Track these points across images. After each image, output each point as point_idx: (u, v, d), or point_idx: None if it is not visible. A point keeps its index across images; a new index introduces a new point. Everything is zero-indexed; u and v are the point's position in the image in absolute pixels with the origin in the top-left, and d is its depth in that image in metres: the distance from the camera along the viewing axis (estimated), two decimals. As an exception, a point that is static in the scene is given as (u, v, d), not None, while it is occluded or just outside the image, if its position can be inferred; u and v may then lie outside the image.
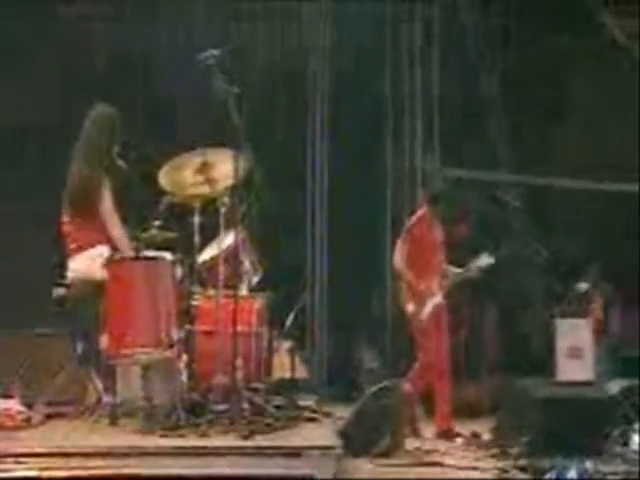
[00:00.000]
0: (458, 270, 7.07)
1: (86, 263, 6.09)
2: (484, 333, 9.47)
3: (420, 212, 7.16)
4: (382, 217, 10.35)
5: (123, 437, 5.45)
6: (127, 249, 6.01)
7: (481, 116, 10.23)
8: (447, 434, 6.73)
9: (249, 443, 5.23)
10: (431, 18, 10.58)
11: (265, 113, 9.42)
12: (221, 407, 5.67)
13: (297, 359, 9.30)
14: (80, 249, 6.14)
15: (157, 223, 6.19)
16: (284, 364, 7.88)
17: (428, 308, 6.87)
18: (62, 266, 6.22)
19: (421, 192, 8.42)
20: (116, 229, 6.07)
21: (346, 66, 10.34)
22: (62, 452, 4.85)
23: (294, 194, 10.02)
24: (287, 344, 9.14)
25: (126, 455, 4.80)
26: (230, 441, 5.27)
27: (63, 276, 6.21)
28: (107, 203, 6.08)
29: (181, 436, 5.44)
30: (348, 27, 10.42)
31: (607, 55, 9.91)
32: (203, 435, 5.41)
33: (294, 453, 5.02)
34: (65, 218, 6.24)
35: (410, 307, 6.91)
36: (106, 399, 5.93)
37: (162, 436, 5.45)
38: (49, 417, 6.07)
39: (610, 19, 9.32)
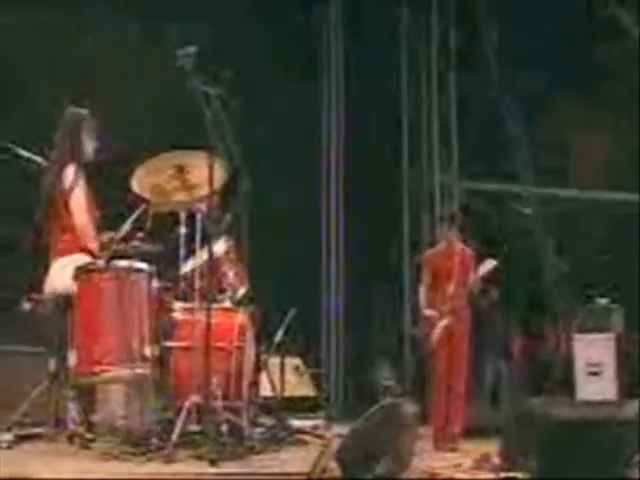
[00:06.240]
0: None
1: (57, 274, 5.39)
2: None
3: (441, 246, 7.06)
4: (399, 231, 9.78)
5: (83, 462, 4.70)
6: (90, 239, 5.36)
7: (499, 128, 9.58)
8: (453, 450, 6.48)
9: (213, 470, 4.44)
10: (448, 38, 10.08)
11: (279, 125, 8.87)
12: (194, 428, 4.92)
13: (306, 377, 8.65)
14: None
15: (140, 235, 5.49)
16: (290, 382, 7.24)
17: (437, 331, 6.75)
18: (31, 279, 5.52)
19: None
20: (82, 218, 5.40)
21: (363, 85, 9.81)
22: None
23: (307, 205, 9.45)
24: (295, 361, 8.49)
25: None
26: (194, 467, 4.50)
27: (32, 289, 5.50)
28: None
29: (149, 460, 4.70)
30: (365, 47, 9.89)
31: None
32: (168, 460, 4.63)
33: (260, 481, 4.23)
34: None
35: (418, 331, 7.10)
36: (79, 420, 5.21)
37: (127, 460, 4.70)
38: (23, 439, 5.36)
39: (625, 16, 8.60)
